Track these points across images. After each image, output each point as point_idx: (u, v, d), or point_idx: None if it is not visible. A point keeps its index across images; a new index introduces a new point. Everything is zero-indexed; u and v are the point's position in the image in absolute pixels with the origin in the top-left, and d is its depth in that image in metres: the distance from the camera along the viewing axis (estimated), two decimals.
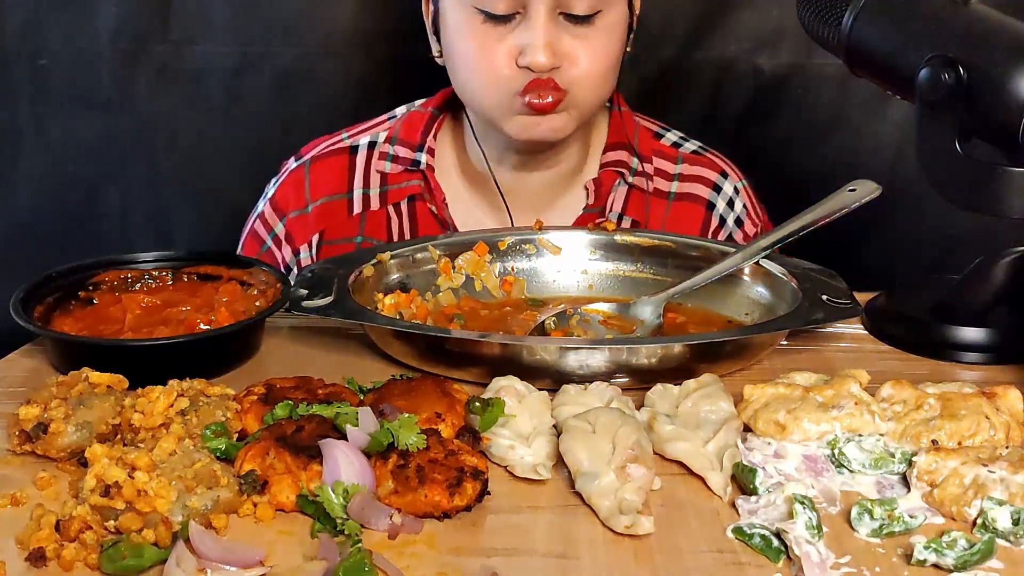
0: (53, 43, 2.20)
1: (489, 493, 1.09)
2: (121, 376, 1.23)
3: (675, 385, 1.26)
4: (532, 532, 1.06)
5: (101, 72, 2.22)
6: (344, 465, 1.07)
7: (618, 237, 1.62)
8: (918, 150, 1.37)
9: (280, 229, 1.83)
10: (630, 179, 1.80)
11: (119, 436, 1.16)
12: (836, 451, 1.16)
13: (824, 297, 1.40)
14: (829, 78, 2.16)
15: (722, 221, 1.83)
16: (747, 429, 1.21)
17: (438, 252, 1.58)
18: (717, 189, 1.84)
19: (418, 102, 1.87)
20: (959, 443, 1.16)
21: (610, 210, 1.80)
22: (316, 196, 1.82)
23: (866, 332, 1.49)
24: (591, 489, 1.09)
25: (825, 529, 1.05)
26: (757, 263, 1.51)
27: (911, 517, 1.06)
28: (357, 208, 1.82)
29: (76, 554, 1.00)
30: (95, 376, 1.22)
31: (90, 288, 1.44)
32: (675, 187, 1.83)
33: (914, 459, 1.12)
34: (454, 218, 1.80)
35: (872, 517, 1.05)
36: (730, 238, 1.83)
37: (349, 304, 1.38)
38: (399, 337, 1.36)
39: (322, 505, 1.05)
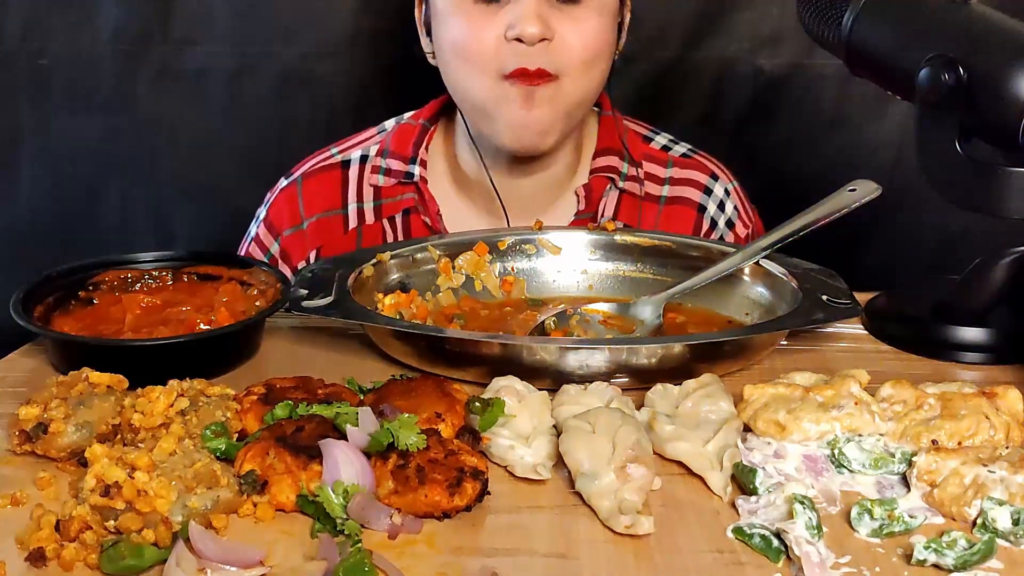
0: (53, 43, 2.20)
1: (489, 493, 1.09)
2: (121, 376, 1.23)
3: (675, 385, 1.26)
4: (532, 532, 1.06)
5: (101, 72, 2.22)
6: (344, 465, 1.07)
7: (618, 237, 1.62)
8: (918, 150, 1.37)
9: (276, 248, 1.83)
10: (620, 184, 1.80)
11: (119, 436, 1.16)
12: (836, 451, 1.16)
13: (824, 297, 1.40)
14: (829, 78, 2.16)
15: (713, 224, 1.84)
16: (747, 429, 1.21)
17: (438, 252, 1.58)
18: (708, 192, 1.84)
19: (407, 115, 1.87)
20: (959, 443, 1.16)
21: (601, 215, 1.81)
22: (311, 212, 1.82)
23: (866, 332, 1.49)
24: (591, 489, 1.09)
25: (825, 529, 1.05)
26: (757, 263, 1.51)
27: (911, 517, 1.06)
28: (353, 222, 1.81)
29: (76, 554, 1.00)
30: (95, 376, 1.22)
31: (90, 288, 1.44)
32: (666, 191, 1.84)
33: (914, 459, 1.12)
34: (448, 229, 1.80)
35: (872, 517, 1.05)
36: (722, 240, 1.83)
37: (349, 304, 1.38)
38: (399, 337, 1.36)
39: (322, 505, 1.05)
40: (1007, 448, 1.14)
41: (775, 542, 1.02)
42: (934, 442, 1.15)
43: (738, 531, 1.05)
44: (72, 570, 1.00)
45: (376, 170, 1.82)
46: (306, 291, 1.39)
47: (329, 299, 1.38)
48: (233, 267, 1.49)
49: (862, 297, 1.46)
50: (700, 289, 1.51)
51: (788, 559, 1.01)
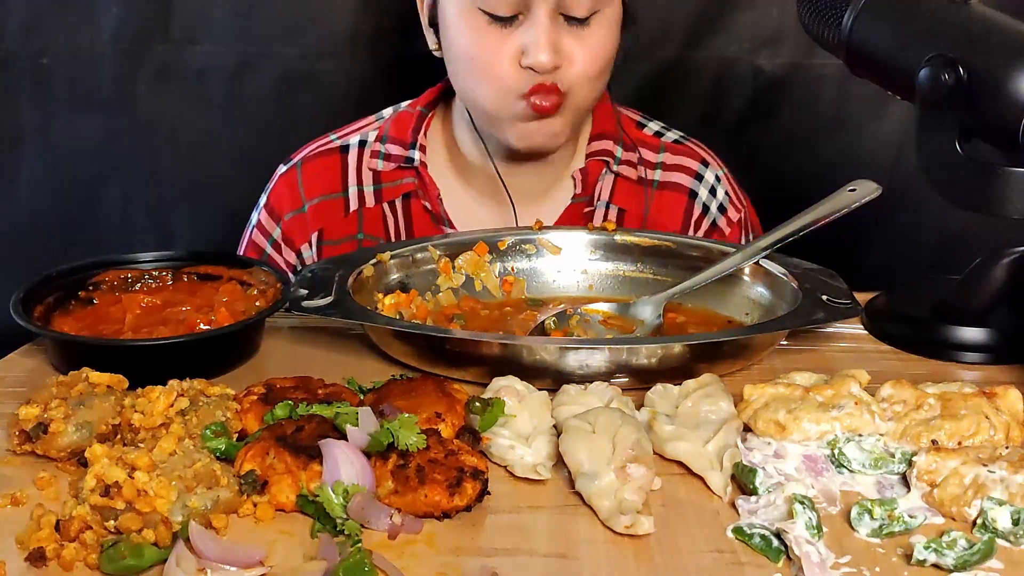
0: (53, 43, 2.20)
1: (489, 493, 1.09)
2: (121, 376, 1.23)
3: (675, 385, 1.26)
4: (532, 532, 1.06)
5: (101, 72, 2.22)
6: (344, 465, 1.07)
7: (618, 237, 1.62)
8: (918, 150, 1.37)
9: (278, 233, 1.83)
10: (615, 167, 1.81)
11: (119, 436, 1.16)
12: (836, 451, 1.16)
13: (824, 297, 1.40)
14: (829, 78, 2.16)
15: (705, 209, 1.85)
16: (747, 429, 1.21)
17: (438, 252, 1.58)
18: (699, 178, 1.86)
19: (404, 103, 1.87)
20: (959, 443, 1.16)
21: (598, 198, 1.82)
22: (311, 195, 1.83)
23: (866, 332, 1.49)
24: (591, 489, 1.09)
25: (825, 529, 1.05)
26: (757, 263, 1.51)
27: (911, 517, 1.06)
28: (353, 205, 1.82)
29: (76, 554, 1.00)
30: (95, 376, 1.22)
31: (90, 288, 1.44)
32: (658, 175, 1.86)
33: (914, 459, 1.12)
34: (449, 213, 1.80)
35: (872, 517, 1.05)
36: (714, 225, 1.84)
37: (349, 304, 1.38)
38: (399, 337, 1.36)
39: (322, 505, 1.05)
40: (1007, 448, 1.14)
41: (775, 542, 1.02)
42: (934, 442, 1.15)
43: (738, 531, 1.05)
44: (72, 570, 1.00)
45: (375, 155, 1.83)
46: (306, 291, 1.39)
47: (329, 299, 1.38)
48: (233, 267, 1.49)
49: (862, 297, 1.46)
50: (700, 289, 1.51)
51: (788, 559, 1.01)
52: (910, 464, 1.13)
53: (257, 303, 1.42)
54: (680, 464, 1.16)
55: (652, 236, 1.62)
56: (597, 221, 1.80)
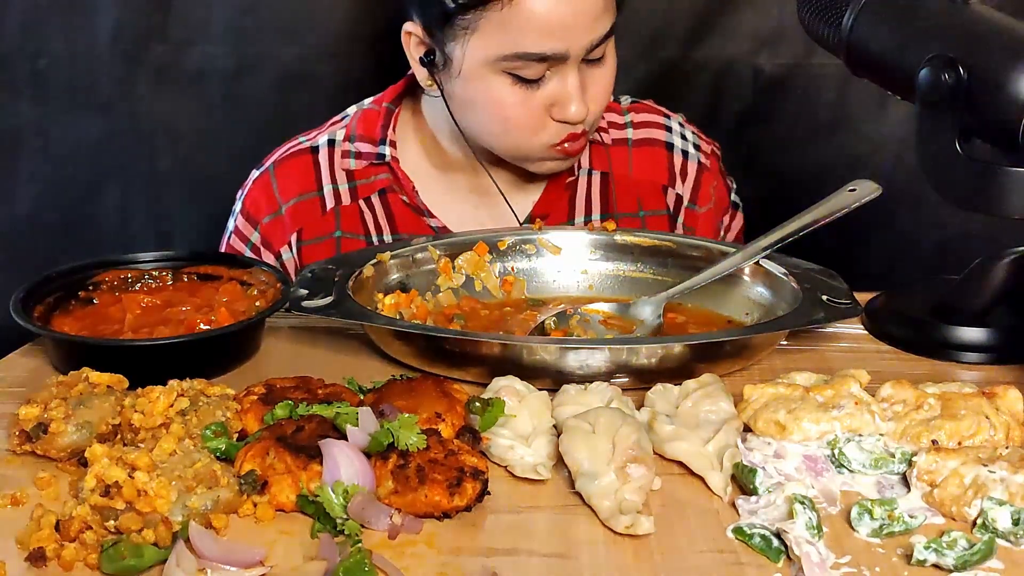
0: (53, 43, 2.20)
1: (489, 493, 1.09)
2: (121, 376, 1.23)
3: (675, 385, 1.26)
4: (532, 532, 1.06)
5: (101, 72, 2.21)
6: (344, 465, 1.07)
7: (618, 237, 1.62)
8: (918, 150, 1.37)
9: (256, 237, 1.83)
10: (589, 135, 1.81)
11: (119, 436, 1.16)
12: (836, 451, 1.16)
13: (824, 297, 1.40)
14: (829, 78, 2.16)
15: (685, 155, 1.88)
16: (747, 429, 1.21)
17: (438, 252, 1.58)
18: (668, 129, 1.89)
19: (367, 100, 1.87)
20: (959, 443, 1.16)
21: (579, 167, 1.83)
22: (287, 197, 1.82)
23: (866, 332, 1.49)
24: (591, 489, 1.09)
25: (825, 529, 1.05)
26: (757, 263, 1.51)
27: (911, 517, 1.06)
28: (330, 203, 1.82)
29: (76, 554, 1.00)
30: (95, 376, 1.22)
31: (90, 288, 1.44)
32: (630, 134, 1.88)
33: (914, 459, 1.12)
34: (428, 204, 1.81)
35: (872, 517, 1.05)
36: (700, 166, 1.86)
37: (349, 304, 1.38)
38: (399, 337, 1.36)
39: (322, 505, 1.05)
40: (1007, 448, 1.14)
41: (775, 542, 1.02)
42: (934, 442, 1.15)
43: (738, 531, 1.05)
44: (72, 570, 1.00)
45: (346, 155, 1.83)
46: (306, 291, 1.39)
47: (329, 299, 1.38)
48: (233, 267, 1.49)
49: (862, 297, 1.46)
50: (700, 289, 1.51)
51: (788, 559, 1.01)
52: (910, 464, 1.13)
53: (257, 303, 1.42)
54: (680, 464, 1.16)
55: (652, 236, 1.62)
56: (581, 189, 1.82)
